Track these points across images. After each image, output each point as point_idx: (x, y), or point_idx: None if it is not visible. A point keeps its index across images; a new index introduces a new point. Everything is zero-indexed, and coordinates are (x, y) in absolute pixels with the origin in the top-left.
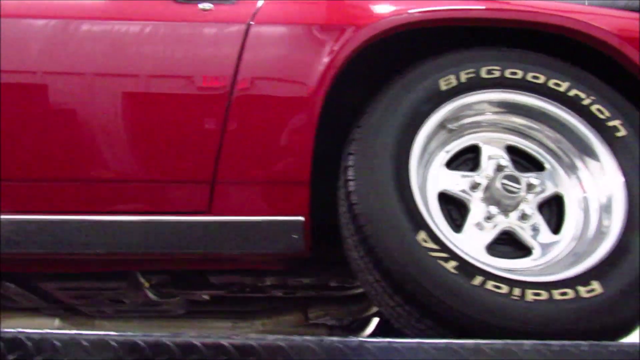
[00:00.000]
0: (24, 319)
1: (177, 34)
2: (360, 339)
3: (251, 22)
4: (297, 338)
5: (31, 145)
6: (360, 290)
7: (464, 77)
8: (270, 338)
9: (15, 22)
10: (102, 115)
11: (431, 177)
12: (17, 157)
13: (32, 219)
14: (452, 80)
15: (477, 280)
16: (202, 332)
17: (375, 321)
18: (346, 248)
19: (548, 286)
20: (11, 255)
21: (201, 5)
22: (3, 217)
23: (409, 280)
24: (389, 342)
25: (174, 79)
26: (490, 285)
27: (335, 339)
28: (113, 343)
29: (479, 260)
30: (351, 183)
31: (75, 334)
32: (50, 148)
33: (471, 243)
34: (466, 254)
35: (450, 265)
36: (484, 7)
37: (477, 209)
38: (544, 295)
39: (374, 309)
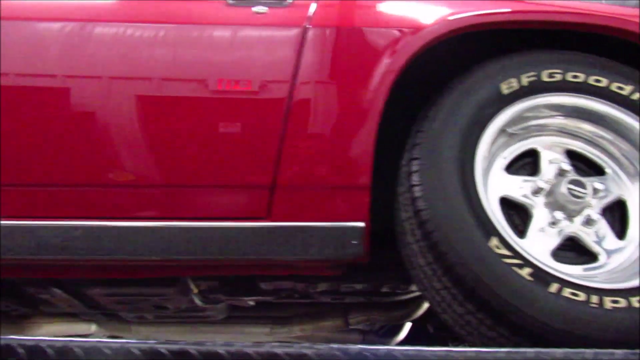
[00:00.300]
0: (61, 325)
1: (232, 37)
2: (388, 347)
3: (308, 26)
4: (323, 346)
5: (84, 151)
6: (408, 296)
7: (525, 80)
8: (296, 346)
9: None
10: (156, 120)
11: (492, 182)
12: (64, 162)
13: (78, 225)
14: (514, 84)
15: (554, 287)
16: (241, 338)
17: (407, 326)
18: (408, 254)
19: (626, 293)
20: (57, 261)
21: (255, 9)
22: (48, 222)
23: (482, 287)
24: (418, 350)
25: (229, 84)
26: (567, 292)
27: (362, 346)
28: (136, 351)
29: (550, 267)
30: (417, 189)
31: (97, 341)
32: (109, 154)
33: (536, 249)
34: (538, 260)
35: (525, 272)
36: (543, 10)
37: (541, 214)
38: (623, 302)
39: (416, 315)
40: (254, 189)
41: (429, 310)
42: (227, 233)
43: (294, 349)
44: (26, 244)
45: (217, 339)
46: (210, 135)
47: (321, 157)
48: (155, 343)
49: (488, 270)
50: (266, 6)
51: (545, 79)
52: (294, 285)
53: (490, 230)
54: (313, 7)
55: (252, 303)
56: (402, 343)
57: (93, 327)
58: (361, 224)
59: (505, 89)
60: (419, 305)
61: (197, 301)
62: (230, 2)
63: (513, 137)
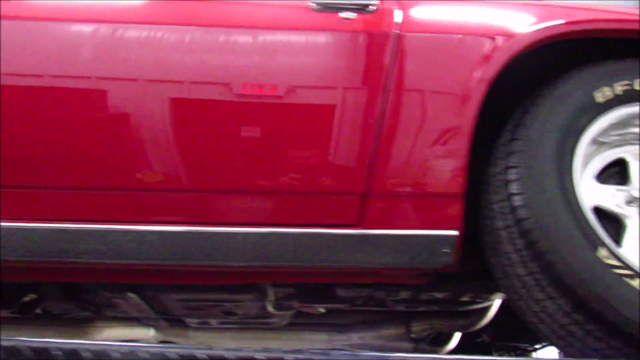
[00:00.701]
0: (123, 329)
1: (320, 43)
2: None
3: (399, 32)
4: (362, 354)
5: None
6: (481, 305)
7: (619, 89)
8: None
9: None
10: (248, 127)
11: (584, 191)
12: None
13: (153, 230)
14: (608, 92)
15: None
16: (299, 345)
17: (457, 336)
18: (503, 263)
19: None
20: (132, 266)
21: (342, 15)
22: (124, 227)
23: (594, 298)
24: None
25: (320, 90)
26: None
27: (399, 355)
28: (174, 355)
29: None
30: (517, 197)
31: (134, 346)
32: (191, 161)
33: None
34: None
35: (637, 282)
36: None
37: (634, 224)
38: None
39: (480, 324)
40: (346, 196)
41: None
42: (319, 240)
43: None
44: (100, 249)
45: (274, 346)
46: (304, 141)
47: (414, 164)
48: (164, 347)
49: (599, 281)
50: (352, 12)
51: (638, 87)
52: (373, 292)
53: (595, 240)
54: (399, 14)
55: (322, 310)
56: (453, 352)
57: (151, 332)
58: (454, 232)
59: (599, 97)
60: (483, 315)
61: (270, 308)
62: (316, 7)
63: (603, 146)
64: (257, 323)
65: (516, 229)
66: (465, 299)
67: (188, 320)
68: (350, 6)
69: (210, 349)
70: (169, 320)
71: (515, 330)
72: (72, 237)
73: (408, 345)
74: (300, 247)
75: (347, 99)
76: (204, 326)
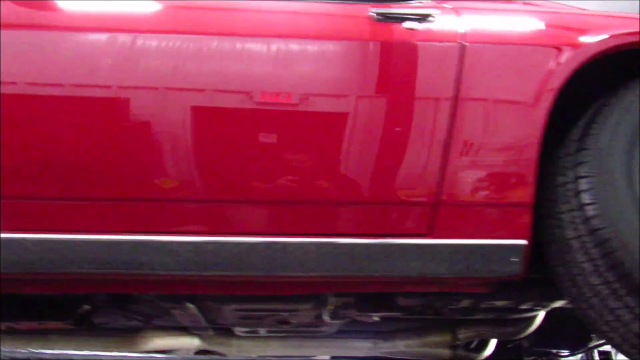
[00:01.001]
0: (170, 338)
1: (388, 54)
2: None
3: (464, 42)
4: None
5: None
6: (532, 313)
7: None
8: None
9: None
10: (323, 139)
11: None
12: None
13: (210, 240)
14: None
15: None
16: (343, 353)
17: (493, 342)
18: (573, 272)
19: None
20: (189, 277)
21: (406, 25)
22: (183, 238)
23: None
24: None
25: (391, 101)
26: None
27: None
28: None
29: None
30: (591, 207)
31: (150, 357)
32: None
33: None
34: None
35: None
36: None
37: None
38: None
39: (527, 332)
40: (417, 206)
41: None
42: (390, 250)
43: None
44: (160, 260)
45: (319, 354)
46: (377, 153)
47: (484, 174)
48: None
49: None
50: (415, 22)
51: None
52: (433, 301)
53: None
54: (461, 23)
55: (376, 319)
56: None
57: (196, 341)
58: (523, 242)
59: None
60: (531, 322)
61: (326, 317)
62: (377, 17)
63: None
64: (306, 331)
65: (590, 239)
66: (525, 307)
67: (236, 329)
68: (411, 16)
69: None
70: (217, 329)
71: (556, 336)
72: (134, 248)
73: (446, 352)
74: (371, 257)
75: (417, 109)
76: (252, 335)
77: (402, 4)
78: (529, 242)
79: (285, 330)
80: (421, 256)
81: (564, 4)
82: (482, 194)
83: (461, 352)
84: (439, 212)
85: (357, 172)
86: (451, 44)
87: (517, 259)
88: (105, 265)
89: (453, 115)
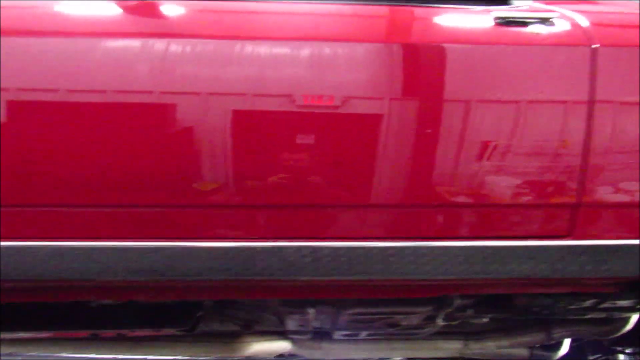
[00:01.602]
0: (266, 343)
1: (516, 58)
2: None
3: (595, 46)
4: None
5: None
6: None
7: None
8: None
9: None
10: (454, 143)
11: None
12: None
13: (325, 245)
14: None
15: None
16: (432, 354)
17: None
18: None
19: None
20: (307, 282)
21: (531, 29)
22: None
23: None
24: None
25: (532, 104)
26: None
27: None
28: None
29: None
30: None
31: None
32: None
33: None
34: None
35: None
36: None
37: None
38: None
39: (622, 331)
40: (558, 208)
41: None
42: (532, 251)
43: None
44: (275, 265)
45: (406, 355)
46: (525, 156)
47: (622, 174)
48: None
49: None
50: (540, 25)
51: None
52: (554, 301)
53: None
54: (586, 25)
55: (485, 320)
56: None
57: (289, 346)
58: None
59: None
60: (627, 322)
61: (439, 319)
62: (500, 21)
63: None
64: (409, 334)
65: None
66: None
67: (335, 332)
68: (533, 19)
69: None
70: (316, 333)
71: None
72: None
73: (524, 352)
74: (513, 258)
75: (555, 112)
76: (351, 338)
77: (517, 7)
78: None
79: (388, 332)
80: (562, 257)
81: None
82: (621, 194)
83: (538, 351)
84: (579, 214)
85: (503, 175)
86: (582, 47)
87: None
88: (225, 272)
89: (591, 118)
